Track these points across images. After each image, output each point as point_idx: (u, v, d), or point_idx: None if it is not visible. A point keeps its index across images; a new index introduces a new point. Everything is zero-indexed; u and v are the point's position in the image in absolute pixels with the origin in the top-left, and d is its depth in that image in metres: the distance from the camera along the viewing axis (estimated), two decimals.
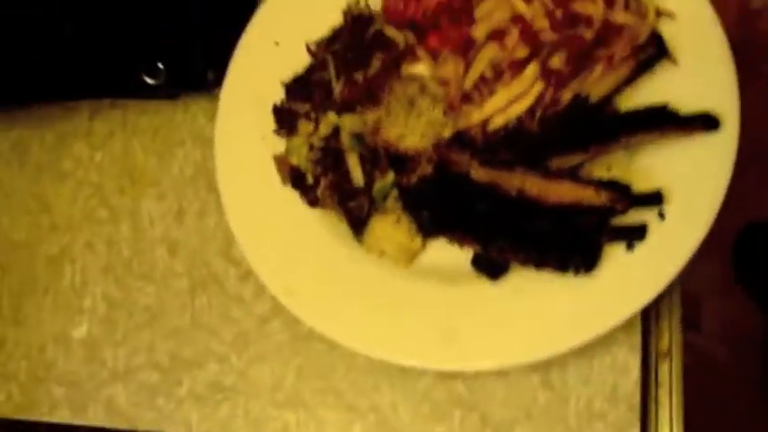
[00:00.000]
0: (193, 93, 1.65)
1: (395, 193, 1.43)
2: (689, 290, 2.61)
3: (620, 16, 1.43)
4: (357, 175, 1.43)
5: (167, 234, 1.59)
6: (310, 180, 1.47)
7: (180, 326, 1.52)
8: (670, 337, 1.43)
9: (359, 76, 1.47)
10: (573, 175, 1.33)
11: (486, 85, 1.46)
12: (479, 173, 1.32)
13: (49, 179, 1.69)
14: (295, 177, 1.48)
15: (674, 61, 1.41)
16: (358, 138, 1.44)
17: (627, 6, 1.45)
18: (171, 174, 1.63)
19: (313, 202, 1.47)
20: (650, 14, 1.43)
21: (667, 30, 1.44)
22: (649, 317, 1.43)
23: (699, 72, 1.41)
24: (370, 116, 1.44)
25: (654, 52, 1.39)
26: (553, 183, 1.31)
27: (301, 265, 1.44)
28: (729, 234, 2.67)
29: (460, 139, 1.39)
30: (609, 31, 1.43)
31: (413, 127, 1.42)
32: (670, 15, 1.44)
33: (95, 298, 1.58)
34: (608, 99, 1.41)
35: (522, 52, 1.43)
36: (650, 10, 1.43)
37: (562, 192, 1.31)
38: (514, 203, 1.32)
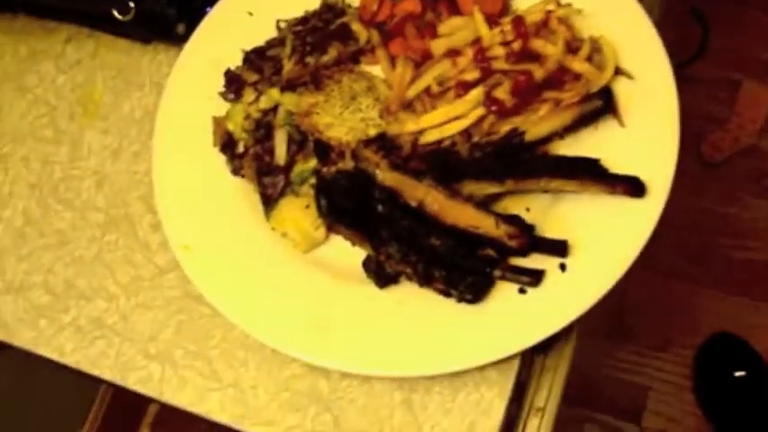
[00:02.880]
0: (164, 41, 1.67)
1: (312, 180, 1.42)
2: (637, 382, 2.59)
3: (578, 65, 1.41)
4: (280, 153, 1.43)
5: (100, 168, 1.61)
6: (240, 148, 1.48)
7: (83, 257, 1.53)
8: (549, 394, 1.39)
9: (311, 60, 1.48)
10: (480, 202, 1.30)
11: (430, 98, 1.45)
12: (385, 175, 1.31)
13: (10, 89, 1.74)
14: (226, 142, 1.49)
15: (620, 121, 1.39)
16: (292, 118, 1.44)
17: (589, 58, 1.43)
18: (121, 112, 1.66)
19: (236, 170, 1.47)
20: (609, 70, 1.41)
21: (623, 89, 1.41)
22: (532, 367, 1.39)
23: (642, 138, 1.39)
24: (308, 98, 1.44)
25: (600, 105, 1.37)
26: (455, 203, 1.29)
27: (207, 228, 1.45)
28: (695, 338, 2.60)
29: (383, 141, 1.37)
30: (562, 75, 1.42)
31: (345, 119, 1.42)
32: (629, 76, 1.41)
33: (16, 210, 1.61)
34: (544, 141, 1.38)
35: (471, 75, 1.42)
36: (610, 66, 1.41)
37: (461, 214, 1.29)
38: (415, 214, 1.30)
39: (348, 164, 1.40)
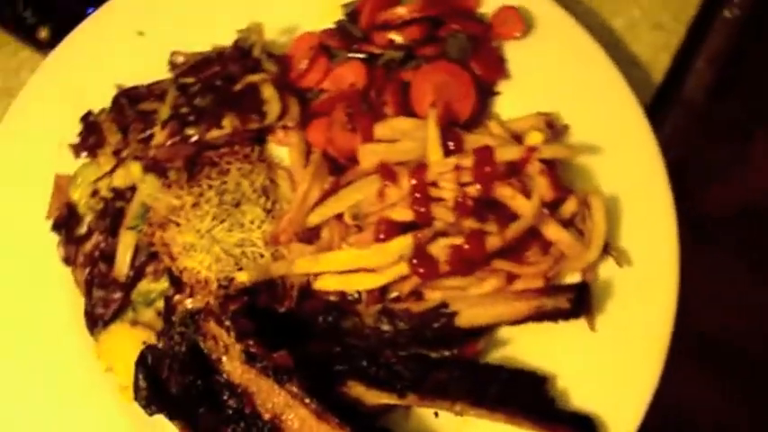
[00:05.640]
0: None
1: (160, 305, 1.02)
2: None
3: (554, 231, 0.99)
4: (122, 264, 1.03)
5: None
6: (83, 229, 1.07)
7: None
8: None
9: (192, 133, 1.05)
10: (364, 421, 0.91)
11: (339, 232, 1.03)
12: (234, 367, 0.91)
13: None
14: (64, 217, 1.09)
15: (590, 324, 0.98)
16: (148, 217, 1.04)
17: (571, 221, 1.00)
18: None
19: (69, 258, 1.07)
20: (594, 249, 0.99)
21: (604, 273, 1.01)
22: None
23: (614, 353, 1.00)
24: (170, 196, 1.02)
25: (569, 308, 0.95)
26: (325, 426, 0.89)
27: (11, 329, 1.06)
28: None
29: (249, 300, 0.97)
30: (528, 241, 1.00)
31: (213, 241, 1.01)
32: (620, 261, 1.00)
33: None
34: (478, 332, 0.98)
35: (401, 214, 1.00)
36: (596, 242, 0.99)
37: None
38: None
39: (207, 299, 1.00)
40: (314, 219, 1.03)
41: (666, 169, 1.04)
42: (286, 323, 1.00)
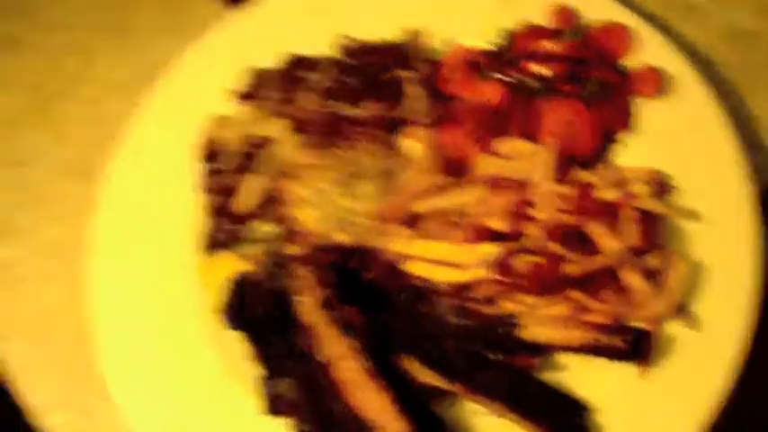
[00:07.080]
0: None
1: (268, 247, 1.15)
2: None
3: (632, 278, 1.05)
4: (243, 199, 1.16)
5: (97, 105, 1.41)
6: (223, 165, 1.21)
7: None
8: None
9: (336, 108, 1.18)
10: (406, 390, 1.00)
11: (439, 225, 1.13)
12: (307, 309, 1.02)
13: None
14: (213, 151, 1.22)
15: (644, 372, 1.03)
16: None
17: (653, 274, 1.06)
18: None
19: (203, 188, 1.21)
20: (666, 305, 1.04)
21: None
22: None
23: (659, 410, 1.05)
24: (301, 156, 1.15)
25: (622, 348, 1.01)
26: (372, 384, 0.99)
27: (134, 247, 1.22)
28: None
29: (341, 258, 1.08)
30: (604, 277, 1.06)
31: (325, 200, 1.12)
32: (689, 323, 1.04)
33: None
34: (537, 349, 1.05)
35: (496, 223, 1.08)
36: (670, 300, 1.04)
37: (370, 402, 0.99)
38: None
39: (304, 249, 1.12)
40: (418, 207, 1.13)
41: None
42: (366, 289, 1.10)
